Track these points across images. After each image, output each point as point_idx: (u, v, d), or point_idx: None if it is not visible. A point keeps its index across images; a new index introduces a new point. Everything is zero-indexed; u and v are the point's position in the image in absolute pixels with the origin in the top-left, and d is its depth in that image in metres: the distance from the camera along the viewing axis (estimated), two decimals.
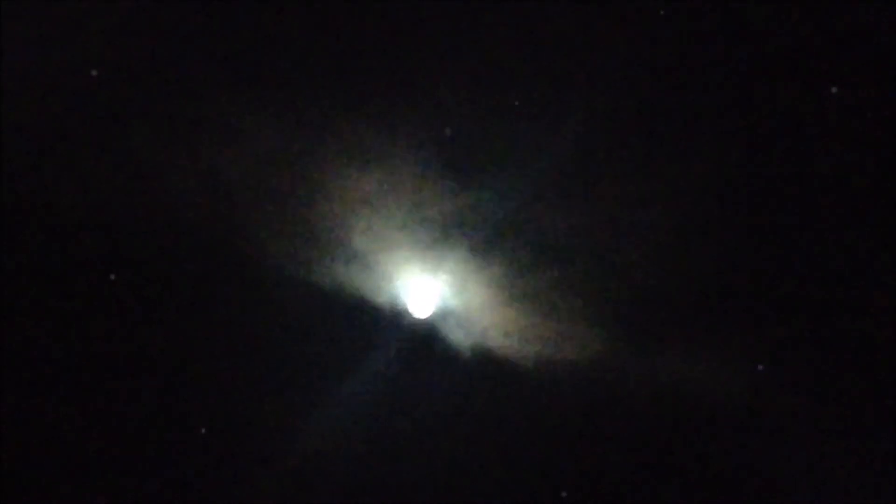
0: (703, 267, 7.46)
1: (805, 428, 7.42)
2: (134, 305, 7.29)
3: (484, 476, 7.42)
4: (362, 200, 7.43)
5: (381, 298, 7.48)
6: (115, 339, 7.23)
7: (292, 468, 7.36)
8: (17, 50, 7.14)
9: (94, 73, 7.11)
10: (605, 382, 7.45)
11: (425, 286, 7.52)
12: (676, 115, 7.34)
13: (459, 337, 7.53)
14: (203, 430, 7.24)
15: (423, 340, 7.52)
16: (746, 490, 7.45)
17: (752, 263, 7.45)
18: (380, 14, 7.23)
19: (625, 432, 7.44)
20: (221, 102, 7.25)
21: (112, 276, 7.19)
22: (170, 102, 7.25)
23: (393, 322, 7.50)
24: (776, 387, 7.41)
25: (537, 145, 7.42)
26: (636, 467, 7.43)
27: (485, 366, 7.50)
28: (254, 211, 7.37)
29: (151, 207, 7.28)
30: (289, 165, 7.37)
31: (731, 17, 7.17)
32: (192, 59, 7.22)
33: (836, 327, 7.41)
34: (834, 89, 7.13)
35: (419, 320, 7.53)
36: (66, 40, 7.10)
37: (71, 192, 7.19)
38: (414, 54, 7.33)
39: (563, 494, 7.42)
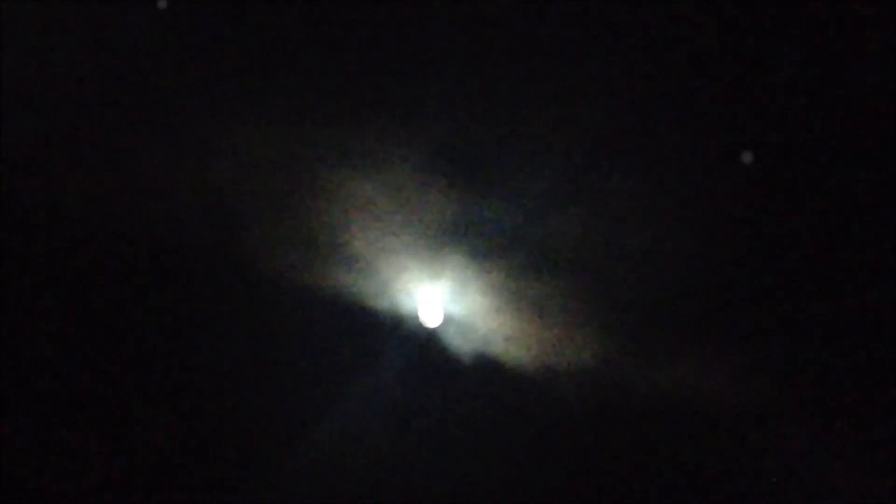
0: (704, 274, 7.47)
1: (804, 433, 7.44)
2: (132, 312, 7.22)
3: (485, 481, 7.40)
4: (362, 206, 7.39)
5: (381, 304, 7.44)
6: (114, 346, 7.17)
7: (294, 473, 7.31)
8: (11, 54, 7.06)
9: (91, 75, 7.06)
10: (607, 388, 7.44)
11: (425, 292, 7.49)
12: (679, 122, 7.34)
13: (460, 343, 7.51)
14: (203, 438, 7.17)
15: (424, 346, 7.49)
16: (745, 495, 7.46)
17: (752, 271, 7.47)
18: (379, 18, 7.20)
19: (626, 438, 7.44)
20: (218, 108, 7.20)
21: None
22: (166, 108, 7.20)
23: (392, 328, 7.46)
24: (776, 393, 7.43)
25: (539, 151, 7.41)
26: (637, 473, 7.43)
27: (485, 371, 7.47)
28: (253, 217, 7.33)
29: (149, 214, 7.22)
30: (288, 171, 7.33)
31: (731, 22, 7.18)
32: (188, 64, 7.17)
33: (836, 333, 7.44)
34: (833, 93, 7.17)
35: (419, 326, 7.50)
36: (62, 46, 7.03)
37: (67, 199, 7.14)
38: (414, 59, 7.30)
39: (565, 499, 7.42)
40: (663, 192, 7.42)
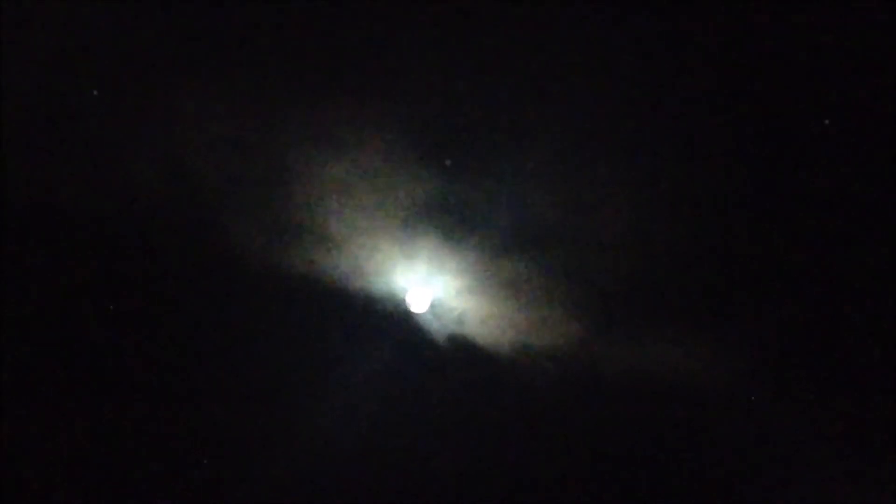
0: (681, 254, 7.38)
1: (781, 413, 7.53)
2: (105, 300, 7.16)
3: (460, 462, 7.54)
4: (334, 187, 7.20)
5: (354, 286, 7.36)
6: (88, 337, 7.15)
7: (277, 455, 7.42)
8: None
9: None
10: (581, 369, 7.48)
11: (399, 273, 7.39)
12: (657, 102, 7.09)
13: (434, 323, 7.49)
14: (181, 423, 7.26)
15: (397, 327, 7.46)
16: (723, 477, 7.59)
17: (730, 252, 7.38)
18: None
19: (601, 419, 7.53)
20: (189, 89, 6.97)
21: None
22: (136, 90, 7.00)
23: (366, 309, 7.41)
24: (751, 373, 7.50)
25: (514, 131, 7.18)
26: (612, 453, 7.57)
27: (460, 352, 7.49)
28: (224, 199, 7.18)
29: (119, 197, 7.08)
30: (258, 152, 7.12)
31: (720, 19, 6.82)
32: (159, 46, 6.93)
33: (813, 313, 7.44)
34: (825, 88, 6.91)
35: (393, 307, 7.44)
36: (34, 33, 6.83)
37: (38, 184, 7.00)
38: (386, 38, 6.99)
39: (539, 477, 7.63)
40: (640, 173, 7.25)
